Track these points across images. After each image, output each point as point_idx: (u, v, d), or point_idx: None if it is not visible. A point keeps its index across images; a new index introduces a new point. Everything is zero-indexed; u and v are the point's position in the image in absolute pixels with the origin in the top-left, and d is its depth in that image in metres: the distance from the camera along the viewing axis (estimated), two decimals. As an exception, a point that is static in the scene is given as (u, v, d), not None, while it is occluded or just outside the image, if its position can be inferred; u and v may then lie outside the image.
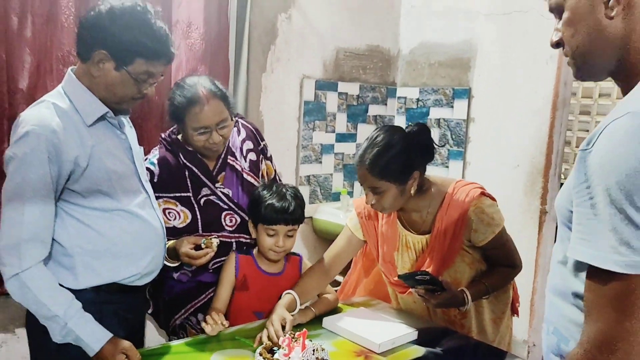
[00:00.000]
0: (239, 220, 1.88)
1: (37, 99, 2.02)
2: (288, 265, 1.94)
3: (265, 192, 1.85)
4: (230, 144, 1.91)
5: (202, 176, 1.84)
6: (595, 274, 0.78)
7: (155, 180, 1.82)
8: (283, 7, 2.95)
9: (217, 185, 1.86)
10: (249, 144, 1.97)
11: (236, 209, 1.88)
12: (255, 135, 1.99)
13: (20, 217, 1.42)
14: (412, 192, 1.73)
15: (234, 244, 1.88)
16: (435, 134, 3.35)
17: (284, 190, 1.86)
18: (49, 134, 1.43)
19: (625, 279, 0.76)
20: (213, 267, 1.87)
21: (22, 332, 2.22)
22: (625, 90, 0.90)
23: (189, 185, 1.84)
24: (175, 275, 1.88)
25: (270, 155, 2.04)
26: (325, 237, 3.17)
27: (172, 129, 1.89)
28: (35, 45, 2.09)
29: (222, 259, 1.87)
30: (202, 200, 1.85)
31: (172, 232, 1.80)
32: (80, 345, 1.47)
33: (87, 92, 1.53)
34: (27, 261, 1.43)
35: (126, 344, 1.50)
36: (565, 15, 0.94)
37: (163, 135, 1.89)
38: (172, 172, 1.84)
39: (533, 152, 2.88)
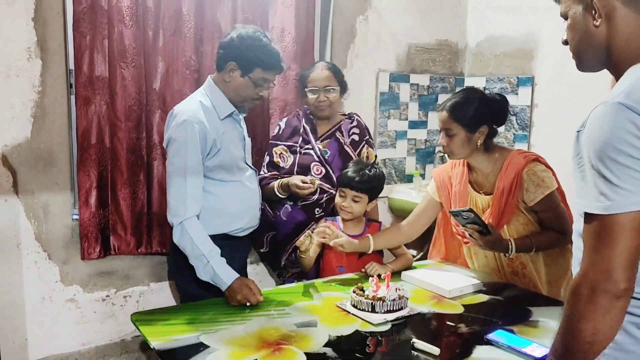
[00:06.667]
0: (324, 171, 2.45)
1: (166, 97, 2.56)
2: (368, 229, 2.31)
3: (352, 163, 2.29)
4: (342, 127, 2.51)
5: (310, 134, 2.50)
6: (586, 218, 1.04)
7: (280, 132, 2.56)
8: (361, 9, 3.25)
9: (316, 142, 2.45)
10: (355, 130, 2.54)
11: (323, 163, 2.45)
12: (365, 129, 2.57)
13: (184, 181, 1.94)
14: (479, 144, 2.03)
15: (318, 188, 2.40)
16: (501, 120, 3.60)
17: (364, 166, 2.26)
18: (199, 123, 1.95)
19: (602, 218, 0.99)
20: (302, 203, 2.43)
21: (155, 286, 2.71)
22: (616, 80, 1.13)
23: (300, 139, 2.47)
24: (280, 211, 2.45)
25: (373, 147, 2.64)
26: (400, 215, 3.46)
27: (303, 106, 2.63)
28: (165, 53, 2.52)
29: (310, 200, 2.42)
30: (302, 150, 2.47)
31: (282, 171, 2.46)
32: (215, 282, 1.91)
33: (222, 94, 2.06)
34: (189, 212, 1.93)
35: (250, 280, 1.92)
36: (568, 21, 1.17)
37: (298, 109, 2.65)
38: (292, 129, 2.51)
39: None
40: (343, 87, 2.51)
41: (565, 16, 1.18)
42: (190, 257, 1.94)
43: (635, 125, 0.97)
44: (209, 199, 2.04)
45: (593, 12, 1.11)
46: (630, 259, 0.99)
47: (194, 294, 2.00)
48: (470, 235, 2.02)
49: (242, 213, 2.13)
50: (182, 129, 1.94)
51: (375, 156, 2.63)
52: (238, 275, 1.92)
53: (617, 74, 1.13)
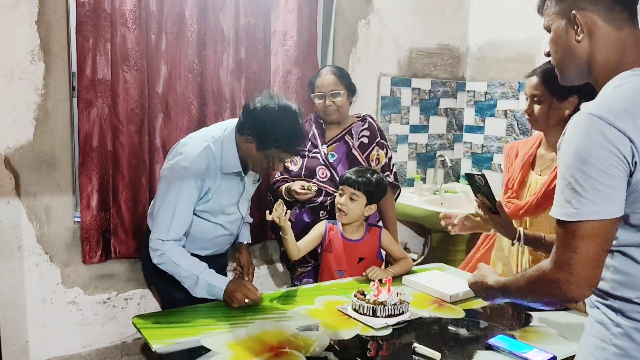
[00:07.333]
0: (329, 174, 2.47)
1: (168, 100, 2.55)
2: (368, 234, 2.31)
3: (355, 167, 2.32)
4: (352, 130, 2.51)
5: (318, 138, 2.52)
6: (557, 223, 1.09)
7: None
8: (363, 14, 3.26)
9: (323, 146, 2.47)
10: (366, 132, 2.53)
11: (329, 166, 2.47)
12: (377, 131, 2.56)
13: (169, 223, 1.95)
14: (566, 114, 1.88)
15: (323, 191, 2.44)
16: (502, 124, 3.60)
17: (365, 170, 2.29)
18: (199, 173, 1.95)
19: (567, 225, 1.05)
20: (308, 206, 2.46)
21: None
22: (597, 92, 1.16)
23: (309, 143, 2.49)
24: (291, 213, 2.44)
25: (387, 149, 2.62)
26: (401, 219, 3.48)
27: (315, 111, 2.61)
28: (168, 56, 2.53)
29: (315, 203, 2.44)
30: (310, 154, 2.49)
31: (291, 174, 2.50)
32: (212, 294, 1.93)
33: (235, 152, 2.02)
34: (167, 246, 1.95)
35: (245, 282, 1.96)
36: (550, 35, 1.21)
37: (311, 114, 2.64)
38: None
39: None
40: (351, 90, 2.52)
41: (548, 29, 1.22)
42: (179, 277, 1.96)
43: (603, 135, 1.01)
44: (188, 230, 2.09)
45: (575, 27, 1.14)
46: (592, 264, 1.05)
47: (170, 294, 2.08)
48: (479, 207, 1.90)
49: (207, 247, 2.16)
50: (179, 175, 1.94)
51: (390, 158, 2.61)
52: (230, 279, 1.96)
53: (598, 87, 1.16)
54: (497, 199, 1.84)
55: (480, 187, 1.81)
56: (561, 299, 1.11)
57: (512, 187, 2.09)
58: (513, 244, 1.92)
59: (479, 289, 1.46)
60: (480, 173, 1.81)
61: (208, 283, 1.92)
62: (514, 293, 1.26)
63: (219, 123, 2.17)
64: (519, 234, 1.87)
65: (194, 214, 2.05)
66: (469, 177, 1.85)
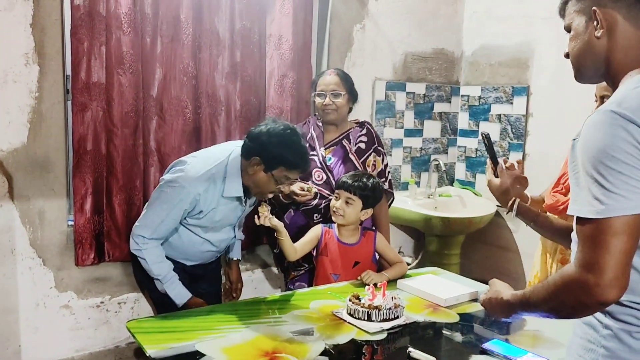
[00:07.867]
0: (324, 177, 2.48)
1: (163, 103, 2.55)
2: (363, 238, 2.32)
3: (352, 172, 2.32)
4: (350, 135, 2.52)
5: (316, 140, 2.54)
6: (580, 221, 1.07)
7: None
8: (358, 18, 3.26)
9: (320, 149, 2.49)
10: (363, 138, 2.54)
11: (325, 169, 2.48)
12: (375, 138, 2.57)
13: (155, 227, 2.03)
14: None
15: (317, 193, 2.44)
16: (496, 129, 3.62)
17: (362, 174, 2.29)
18: (195, 195, 2.00)
19: (596, 222, 1.03)
20: (302, 208, 2.46)
21: (150, 292, 2.72)
22: (613, 92, 1.17)
23: (307, 145, 2.43)
24: (284, 215, 2.48)
25: (384, 156, 2.62)
26: (395, 223, 3.49)
27: (315, 114, 2.67)
28: (163, 59, 2.52)
29: (310, 205, 2.45)
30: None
31: None
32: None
33: (239, 178, 2.06)
34: (147, 245, 2.04)
35: (200, 302, 2.08)
36: (570, 33, 1.23)
37: (309, 117, 2.72)
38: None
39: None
40: (352, 95, 2.54)
41: (568, 29, 1.23)
42: (147, 271, 2.08)
43: (627, 131, 1.01)
44: (175, 238, 2.14)
45: (595, 23, 1.15)
46: (623, 262, 1.02)
47: (160, 296, 2.13)
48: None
49: (192, 259, 2.22)
50: (175, 192, 1.99)
51: (386, 165, 2.62)
52: (190, 296, 2.07)
53: (614, 85, 1.16)
54: (498, 163, 1.74)
55: (486, 146, 1.76)
56: (590, 304, 1.04)
57: (564, 182, 2.12)
58: (507, 213, 1.78)
59: (494, 306, 1.37)
60: (485, 133, 1.76)
61: (167, 294, 2.06)
62: (535, 305, 1.18)
63: (226, 144, 2.20)
64: (513, 203, 1.73)
65: (184, 226, 2.11)
66: (481, 135, 1.83)
